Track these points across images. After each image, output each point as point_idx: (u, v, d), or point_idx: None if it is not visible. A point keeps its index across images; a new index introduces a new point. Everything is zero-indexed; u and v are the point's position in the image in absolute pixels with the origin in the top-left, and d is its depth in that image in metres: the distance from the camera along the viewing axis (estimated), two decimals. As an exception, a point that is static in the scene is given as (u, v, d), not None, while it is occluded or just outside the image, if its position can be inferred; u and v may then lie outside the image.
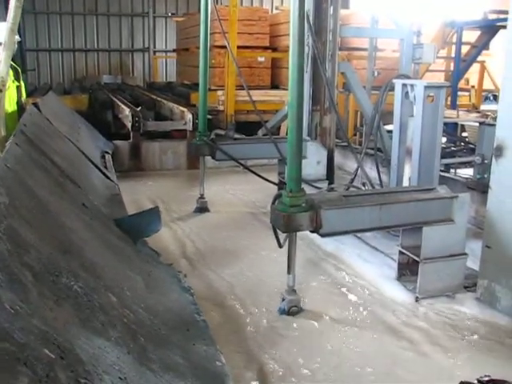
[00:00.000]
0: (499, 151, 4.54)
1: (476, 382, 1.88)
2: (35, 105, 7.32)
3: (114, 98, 12.01)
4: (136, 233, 4.95)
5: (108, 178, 7.35)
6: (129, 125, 9.95)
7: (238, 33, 11.77)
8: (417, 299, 4.87)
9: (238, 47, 11.65)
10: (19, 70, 9.06)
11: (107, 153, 9.10)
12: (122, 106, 10.82)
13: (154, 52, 22.48)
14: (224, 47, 11.26)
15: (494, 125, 4.82)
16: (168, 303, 3.82)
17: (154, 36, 22.49)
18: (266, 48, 13.34)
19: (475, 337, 4.30)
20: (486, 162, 6.84)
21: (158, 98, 12.53)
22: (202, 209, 7.47)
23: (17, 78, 8.70)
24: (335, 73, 7.50)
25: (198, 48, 7.40)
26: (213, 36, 11.72)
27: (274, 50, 13.43)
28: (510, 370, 3.79)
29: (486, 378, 1.88)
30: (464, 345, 4.19)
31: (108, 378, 1.99)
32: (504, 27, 4.69)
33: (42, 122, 6.67)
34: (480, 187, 6.62)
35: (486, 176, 6.61)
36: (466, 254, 5.00)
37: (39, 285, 2.26)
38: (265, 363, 3.84)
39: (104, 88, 15.27)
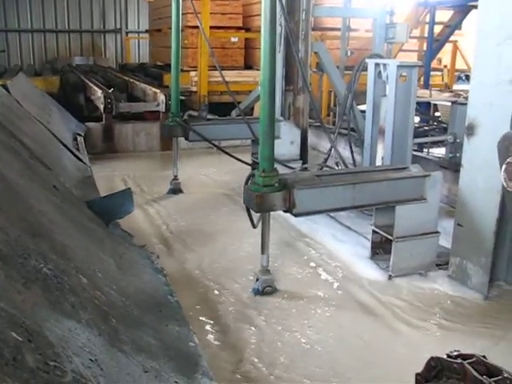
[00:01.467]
0: (471, 130, 4.57)
1: (445, 356, 1.90)
2: (4, 86, 7.18)
3: (86, 80, 11.83)
4: (108, 215, 4.89)
5: (80, 160, 7.26)
6: (101, 107, 9.83)
7: (211, 13, 11.65)
8: (390, 277, 4.91)
9: (211, 27, 11.54)
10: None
11: (79, 135, 8.98)
12: (94, 87, 10.68)
13: (127, 33, 22.12)
14: (197, 27, 11.14)
15: (465, 104, 4.84)
16: (141, 285, 3.80)
17: (126, 16, 22.12)
18: (239, 28, 13.22)
19: (446, 313, 4.36)
20: (458, 141, 6.87)
21: (131, 80, 12.38)
22: (176, 190, 7.44)
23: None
24: (308, 53, 7.48)
25: (171, 29, 7.31)
26: (185, 16, 11.60)
27: (248, 30, 13.31)
28: (480, 345, 3.86)
29: (456, 353, 1.89)
30: (435, 321, 4.25)
31: (78, 360, 1.96)
32: (476, 7, 4.70)
33: (11, 103, 6.55)
34: (452, 166, 6.67)
35: (458, 155, 6.64)
36: (438, 232, 5.05)
37: (7, 267, 2.22)
38: (239, 341, 3.85)
39: (76, 70, 15.03)
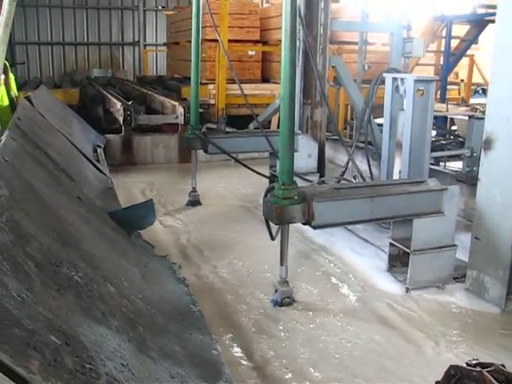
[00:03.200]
0: (488, 144, 4.63)
1: (465, 365, 1.96)
2: (27, 98, 7.33)
3: (105, 92, 12.00)
4: (130, 225, 5.00)
5: (101, 171, 7.39)
6: (120, 119, 9.96)
7: (229, 26, 11.82)
8: (407, 290, 4.95)
9: (229, 41, 11.69)
10: (7, 64, 9.03)
11: (99, 146, 9.12)
12: (114, 99, 10.83)
13: (145, 46, 22.42)
14: (215, 41, 11.30)
15: (482, 118, 4.90)
16: (164, 294, 3.89)
17: (145, 29, 22.45)
18: (256, 42, 13.37)
19: (464, 326, 4.40)
20: (475, 155, 6.93)
21: (149, 92, 12.54)
22: (194, 202, 7.53)
23: (4, 72, 8.68)
24: (326, 66, 7.56)
25: (189, 42, 7.43)
26: (204, 30, 11.73)
27: (265, 43, 13.46)
28: (498, 358, 3.89)
29: (475, 362, 1.96)
30: (453, 334, 4.28)
31: (111, 364, 2.05)
32: (493, 22, 4.77)
33: (34, 115, 6.70)
34: (469, 180, 6.71)
35: (474, 169, 6.71)
36: (455, 245, 5.09)
37: (42, 274, 2.32)
38: (258, 352, 3.92)
39: (94, 82, 15.25)
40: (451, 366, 2.01)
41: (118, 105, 10.21)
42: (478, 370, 1.91)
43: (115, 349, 2.23)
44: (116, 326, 2.48)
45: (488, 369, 1.91)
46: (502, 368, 1.91)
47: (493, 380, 1.83)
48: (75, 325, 2.14)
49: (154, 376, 2.38)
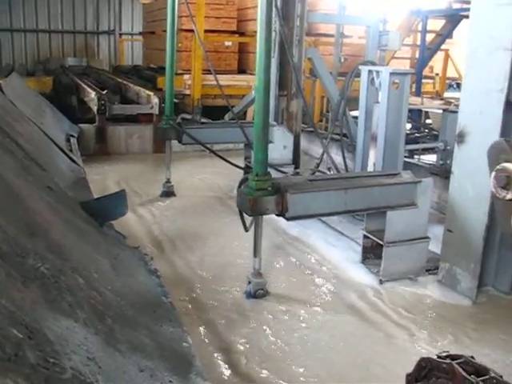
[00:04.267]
0: (461, 137, 4.65)
1: (435, 357, 1.96)
2: (-3, 86, 7.19)
3: (80, 81, 11.84)
4: (102, 216, 4.92)
5: (73, 161, 7.28)
6: (94, 108, 9.85)
7: (205, 16, 11.72)
8: (380, 282, 4.97)
9: (205, 31, 11.61)
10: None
11: (72, 136, 8.99)
12: (88, 89, 10.70)
13: (120, 35, 22.14)
14: (191, 31, 11.21)
15: (456, 112, 4.92)
16: (135, 285, 3.83)
17: (120, 18, 22.14)
18: (233, 32, 13.28)
19: (435, 318, 4.43)
20: (448, 148, 6.96)
21: (124, 82, 12.41)
22: (169, 193, 7.47)
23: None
24: (302, 58, 7.54)
25: (165, 31, 7.35)
26: (180, 19, 11.63)
27: (242, 34, 13.38)
28: (469, 347, 3.92)
29: (445, 354, 1.95)
30: (426, 325, 4.30)
31: (76, 358, 2.00)
32: (467, 17, 4.79)
33: (5, 103, 6.57)
34: (443, 173, 6.75)
35: (448, 162, 6.73)
36: (428, 237, 5.12)
37: (6, 266, 2.26)
38: (232, 344, 3.90)
39: (69, 71, 15.04)
40: (422, 358, 2.01)
41: (93, 94, 10.09)
42: (448, 361, 1.91)
43: (82, 342, 2.19)
44: (83, 318, 2.43)
45: (458, 360, 1.91)
46: (472, 360, 1.91)
47: (462, 372, 1.82)
48: (40, 318, 2.09)
49: (122, 369, 2.34)
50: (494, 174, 2.04)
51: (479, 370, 1.85)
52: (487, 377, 1.79)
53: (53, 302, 2.35)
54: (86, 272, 3.16)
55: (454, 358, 1.93)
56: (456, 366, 1.86)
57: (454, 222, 4.81)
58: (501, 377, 1.80)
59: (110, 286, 3.31)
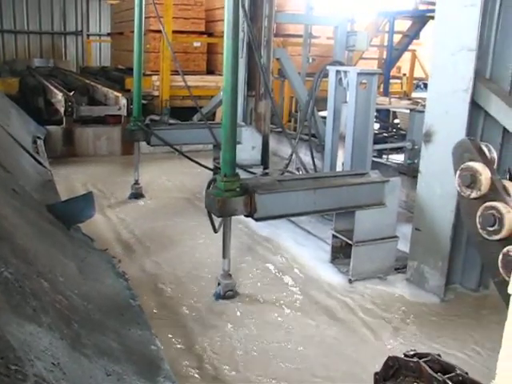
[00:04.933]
0: (428, 137, 4.70)
1: (403, 356, 1.97)
2: (-39, 87, 7.05)
3: (46, 83, 11.66)
4: (69, 219, 4.85)
5: (40, 163, 7.17)
6: (61, 110, 9.71)
7: (174, 17, 11.66)
8: (350, 281, 4.99)
9: (174, 32, 11.54)
10: None
11: (39, 138, 8.85)
12: (55, 90, 10.54)
13: (88, 35, 21.89)
14: (159, 32, 11.12)
15: (423, 111, 4.97)
16: (102, 289, 3.78)
17: (88, 19, 21.87)
18: (201, 33, 13.24)
19: (404, 316, 4.46)
20: (416, 147, 7.05)
21: (92, 83, 12.26)
22: (137, 195, 7.40)
23: None
24: (270, 59, 7.55)
25: (133, 32, 7.29)
26: (147, 20, 11.55)
27: (210, 35, 13.36)
28: (438, 345, 3.97)
29: (412, 352, 1.97)
30: (395, 324, 4.33)
31: (40, 364, 1.96)
32: (433, 18, 4.84)
33: (-32, 105, 6.43)
34: (410, 172, 6.82)
35: (416, 161, 6.80)
36: (396, 236, 5.16)
37: (-33, 271, 2.20)
38: (201, 346, 3.87)
39: (35, 72, 14.80)
40: (389, 357, 2.02)
41: (60, 95, 9.95)
42: (415, 360, 1.91)
43: (46, 347, 2.14)
44: (48, 323, 2.39)
45: (425, 359, 1.92)
46: (438, 358, 1.92)
47: (429, 370, 1.83)
48: (3, 323, 2.04)
49: (89, 374, 2.30)
50: (458, 172, 2.05)
51: (445, 368, 1.86)
52: (453, 374, 1.81)
53: (16, 306, 2.30)
54: (51, 276, 3.10)
55: (420, 356, 1.94)
56: (423, 364, 1.87)
57: (422, 221, 4.86)
58: (466, 373, 1.82)
59: (77, 290, 3.26)
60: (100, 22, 22.04)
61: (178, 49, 11.89)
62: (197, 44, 13.01)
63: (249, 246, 5.84)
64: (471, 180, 2.01)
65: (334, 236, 5.31)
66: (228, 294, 4.61)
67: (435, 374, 1.80)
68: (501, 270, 1.90)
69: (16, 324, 2.13)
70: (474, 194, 2.02)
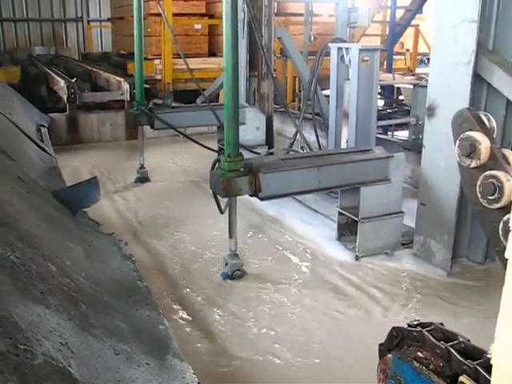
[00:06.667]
0: (431, 111, 4.67)
1: (406, 326, 1.99)
2: (-38, 77, 7.06)
3: (48, 71, 11.65)
4: (75, 204, 4.87)
5: (44, 150, 7.19)
6: (64, 97, 9.71)
7: (174, 0, 11.58)
8: (357, 258, 5.00)
9: (174, 15, 11.48)
10: None
11: (43, 126, 8.87)
12: (57, 78, 10.53)
13: (88, 22, 21.77)
14: (159, 15, 11.05)
15: (427, 86, 4.93)
16: (109, 271, 3.81)
17: (87, 4, 21.75)
18: (202, 15, 13.16)
19: (412, 290, 4.48)
20: (420, 122, 7.02)
21: (94, 69, 12.24)
22: (143, 179, 7.42)
23: None
24: (272, 38, 7.51)
25: (133, 16, 7.25)
26: (147, 4, 11.49)
27: (211, 16, 13.26)
28: (444, 318, 3.97)
29: (415, 322, 1.98)
30: (402, 298, 4.35)
31: (48, 344, 1.99)
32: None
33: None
34: (415, 148, 6.80)
35: (420, 136, 6.77)
36: (402, 212, 5.16)
37: (-27, 255, 2.23)
38: (210, 325, 3.91)
39: (37, 60, 14.77)
40: (393, 327, 2.03)
41: (62, 83, 9.94)
42: (419, 330, 1.93)
43: (54, 328, 2.17)
44: (56, 304, 2.42)
45: (428, 328, 1.93)
46: (441, 326, 1.93)
47: (432, 338, 1.85)
48: (9, 305, 2.07)
49: (97, 353, 2.33)
50: (457, 142, 2.05)
51: (448, 336, 1.88)
52: (456, 342, 1.82)
53: (23, 289, 2.33)
54: (58, 259, 3.13)
55: (424, 325, 1.96)
56: (426, 333, 1.88)
57: (427, 195, 4.86)
58: (468, 341, 1.83)
59: (84, 273, 3.29)
60: (100, 8, 21.88)
61: (179, 32, 11.83)
62: (198, 26, 12.94)
63: (255, 225, 5.86)
64: (470, 149, 2.01)
65: (339, 213, 5.32)
66: (236, 273, 4.64)
67: (438, 343, 1.82)
68: (501, 238, 1.90)
69: (23, 306, 2.16)
70: (473, 164, 2.02)
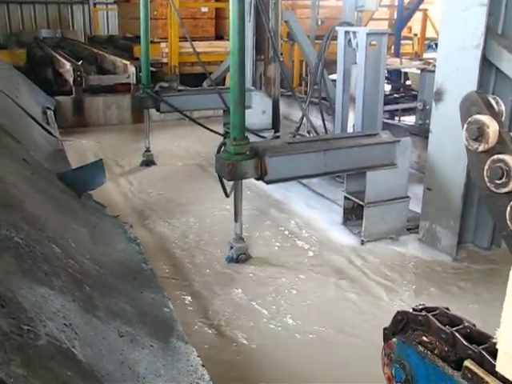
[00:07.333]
0: (438, 95, 4.63)
1: (411, 310, 1.98)
2: (-32, 59, 7.04)
3: (54, 53, 11.61)
4: (80, 186, 4.87)
5: (50, 133, 7.18)
6: (70, 80, 9.68)
7: (180, -18, 11.51)
8: (362, 242, 4.99)
9: (181, -3, 11.41)
10: None
11: (49, 108, 8.85)
12: (63, 60, 10.49)
13: (95, 4, 21.63)
14: (166, -3, 11.01)
15: (434, 71, 4.89)
16: (114, 254, 3.82)
17: (94, -13, 21.63)
18: (208, -2, 13.10)
19: (417, 275, 4.47)
20: (427, 107, 6.97)
21: (100, 52, 12.20)
22: (148, 162, 7.41)
23: None
24: (279, 22, 7.45)
25: (139, -1, 7.20)
26: (154, -14, 11.42)
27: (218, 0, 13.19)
28: (449, 303, 3.96)
29: (421, 307, 1.97)
30: (408, 283, 4.35)
31: (52, 325, 1.99)
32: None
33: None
34: (422, 133, 6.75)
35: (427, 121, 6.73)
36: (408, 197, 5.13)
37: (-23, 236, 2.23)
38: (214, 308, 3.91)
39: (43, 43, 14.73)
40: (398, 311, 2.02)
41: (68, 65, 9.91)
42: (424, 314, 1.92)
43: (58, 309, 2.17)
44: (60, 286, 2.42)
45: (433, 312, 1.92)
46: (446, 311, 1.92)
47: (437, 323, 1.84)
48: (14, 286, 2.07)
49: (101, 335, 2.34)
50: (465, 126, 2.02)
51: (453, 321, 1.86)
52: (461, 326, 1.81)
53: (28, 271, 2.33)
54: (62, 241, 3.13)
55: (429, 310, 1.94)
56: (431, 317, 1.87)
57: (434, 180, 4.83)
58: (474, 325, 1.82)
59: (89, 255, 3.29)
60: (106, -10, 21.74)
61: (185, 15, 11.76)
62: (204, 9, 12.85)
63: (261, 209, 5.85)
64: (478, 133, 1.98)
65: (345, 198, 5.30)
66: (241, 257, 4.63)
67: (443, 327, 1.81)
68: (509, 222, 1.88)
69: (27, 287, 2.16)
70: (481, 148, 1.99)
